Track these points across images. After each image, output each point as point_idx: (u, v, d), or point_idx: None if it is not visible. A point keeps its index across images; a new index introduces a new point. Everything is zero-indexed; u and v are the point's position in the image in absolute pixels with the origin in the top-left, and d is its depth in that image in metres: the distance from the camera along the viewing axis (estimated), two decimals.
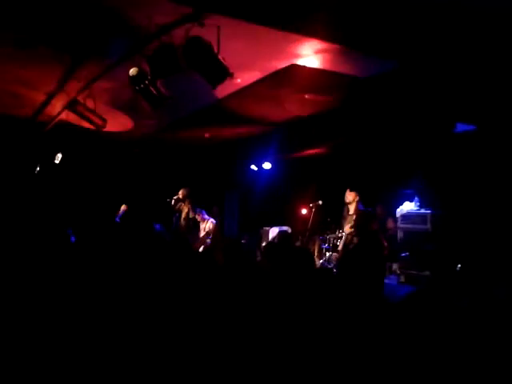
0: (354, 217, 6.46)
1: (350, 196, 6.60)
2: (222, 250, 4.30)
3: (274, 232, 7.04)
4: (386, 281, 6.52)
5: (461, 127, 6.08)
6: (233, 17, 3.86)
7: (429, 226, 6.77)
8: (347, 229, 6.64)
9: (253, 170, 9.94)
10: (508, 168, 5.87)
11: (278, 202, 10.08)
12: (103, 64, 5.03)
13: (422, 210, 7.05)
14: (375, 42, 4.36)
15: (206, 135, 8.56)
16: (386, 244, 7.37)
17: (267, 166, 9.60)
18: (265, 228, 8.98)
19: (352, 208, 6.58)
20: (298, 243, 7.99)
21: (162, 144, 9.31)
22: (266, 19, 3.91)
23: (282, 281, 3.29)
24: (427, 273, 6.55)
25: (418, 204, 7.22)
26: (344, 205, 6.79)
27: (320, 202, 6.82)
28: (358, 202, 6.57)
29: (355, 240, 6.32)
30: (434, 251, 6.48)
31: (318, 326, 2.68)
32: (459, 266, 6.13)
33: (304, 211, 8.78)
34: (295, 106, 6.63)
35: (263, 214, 10.12)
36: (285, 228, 7.92)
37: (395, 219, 7.63)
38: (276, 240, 7.07)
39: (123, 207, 7.96)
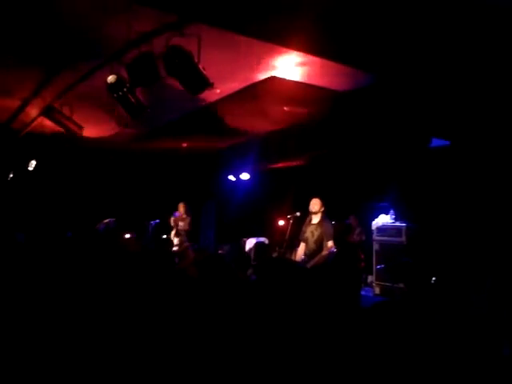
0: (319, 228, 6.35)
1: (316, 205, 6.48)
2: (194, 263, 4.25)
3: (250, 243, 6.98)
4: (362, 292, 6.54)
5: (435, 142, 6.17)
6: (216, 26, 3.85)
7: (404, 238, 6.84)
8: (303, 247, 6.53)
9: (230, 180, 9.88)
10: (480, 182, 5.98)
11: (256, 213, 10.05)
12: (81, 71, 4.95)
13: (397, 223, 7.13)
14: (354, 55, 4.41)
15: (184, 144, 8.52)
16: (362, 256, 7.42)
17: (245, 176, 9.55)
18: (243, 239, 8.92)
19: (317, 218, 6.48)
20: (275, 254, 7.95)
21: (138, 153, 9.21)
22: (248, 30, 3.91)
23: (260, 291, 3.26)
24: (402, 285, 6.59)
25: (394, 217, 7.30)
26: (307, 214, 6.64)
27: (298, 214, 6.77)
28: (323, 212, 6.47)
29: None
30: (409, 264, 6.52)
31: (295, 337, 2.66)
32: (434, 278, 6.20)
33: (281, 222, 8.77)
34: (274, 117, 6.66)
35: (241, 225, 10.07)
36: (262, 239, 7.88)
37: (367, 231, 7.70)
38: (252, 251, 7.00)
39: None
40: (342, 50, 4.29)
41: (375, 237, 7.31)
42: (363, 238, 7.74)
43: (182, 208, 8.23)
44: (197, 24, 3.81)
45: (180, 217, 8.04)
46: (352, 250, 7.15)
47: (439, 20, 3.66)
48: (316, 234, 6.32)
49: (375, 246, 7.27)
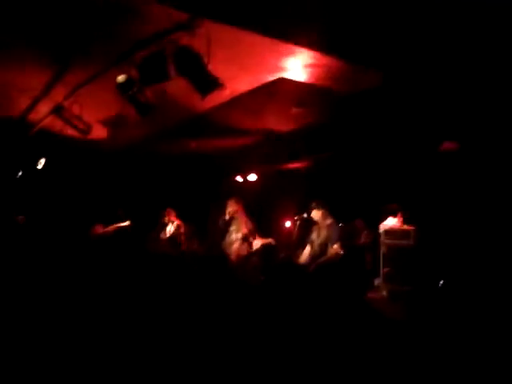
0: (324, 231, 6.34)
1: (316, 208, 6.50)
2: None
3: (257, 244, 6.96)
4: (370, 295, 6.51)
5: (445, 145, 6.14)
6: (227, 23, 3.84)
7: (412, 241, 6.78)
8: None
9: (238, 181, 9.86)
10: (490, 186, 5.93)
11: (263, 214, 10.01)
12: (91, 70, 4.96)
13: (406, 226, 7.07)
14: (365, 53, 4.40)
15: (193, 145, 8.51)
16: (369, 259, 7.38)
17: (252, 177, 9.54)
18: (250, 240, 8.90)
19: (322, 221, 6.47)
20: (282, 255, 7.93)
21: (147, 154, 9.23)
22: (260, 27, 3.91)
23: (268, 293, 3.26)
24: (408, 288, 6.54)
25: (402, 220, 7.24)
26: (311, 219, 6.64)
27: (305, 215, 6.75)
28: (327, 214, 6.47)
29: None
30: (417, 267, 6.48)
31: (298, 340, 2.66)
32: (442, 281, 6.15)
33: (289, 224, 8.74)
34: (282, 119, 6.67)
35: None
36: (269, 240, 7.86)
37: (374, 233, 7.64)
38: (259, 252, 6.99)
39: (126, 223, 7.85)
40: (353, 48, 4.28)
41: (383, 239, 7.24)
42: (370, 240, 7.68)
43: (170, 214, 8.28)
44: (207, 24, 3.81)
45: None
46: (359, 253, 7.15)
47: (449, 22, 3.64)
48: (321, 236, 6.34)
49: (382, 249, 7.20)
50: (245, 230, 7.00)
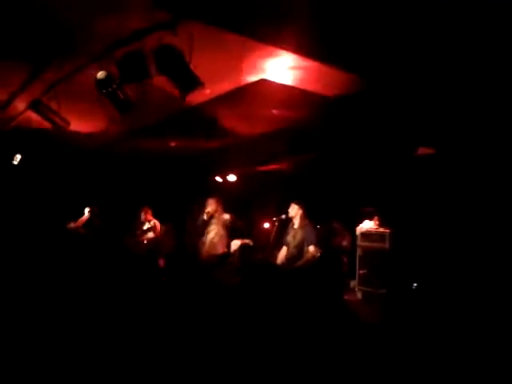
0: (300, 233, 6.38)
1: (293, 210, 6.54)
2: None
3: (235, 245, 6.95)
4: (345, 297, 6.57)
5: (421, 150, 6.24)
6: (210, 24, 3.83)
7: (387, 244, 6.88)
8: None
9: (217, 181, 9.87)
10: (464, 190, 6.05)
11: (242, 215, 10.01)
12: (70, 66, 4.87)
13: (381, 229, 7.17)
14: (347, 58, 4.43)
15: (172, 144, 8.46)
16: (346, 261, 7.46)
17: (232, 178, 9.56)
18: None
19: (298, 222, 6.53)
20: (258, 256, 7.94)
21: (125, 152, 9.12)
22: (240, 28, 3.91)
23: (244, 293, 3.25)
24: (383, 290, 6.64)
25: (378, 223, 7.34)
26: (288, 220, 6.70)
27: (283, 217, 6.77)
28: (303, 216, 6.52)
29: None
30: (392, 269, 6.57)
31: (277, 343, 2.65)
32: (415, 284, 6.25)
33: (267, 225, 8.76)
34: (263, 120, 6.65)
35: None
36: (247, 241, 7.86)
37: (352, 236, 7.74)
38: (237, 253, 6.98)
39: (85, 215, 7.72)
40: (335, 53, 4.30)
41: (359, 242, 7.35)
42: (347, 242, 7.78)
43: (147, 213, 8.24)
44: (189, 23, 3.79)
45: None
46: (335, 255, 7.22)
47: (431, 28, 3.69)
48: (297, 238, 6.37)
49: (359, 251, 7.30)
50: (222, 231, 6.99)
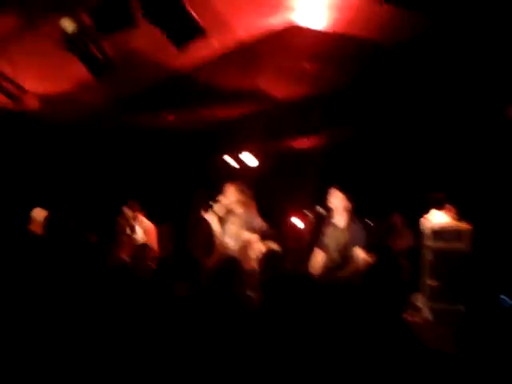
0: (345, 232, 6.28)
1: (337, 200, 6.38)
2: None
3: (258, 251, 6.87)
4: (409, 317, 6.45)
5: None
6: None
7: (467, 244, 6.75)
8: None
9: (230, 164, 9.93)
10: None
11: (264, 208, 10.02)
12: (26, 16, 4.83)
13: (458, 224, 7.03)
14: None
15: (170, 117, 8.55)
16: (408, 268, 7.34)
17: (248, 158, 9.64)
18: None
19: (341, 218, 6.39)
20: (288, 265, 7.91)
21: (105, 129, 9.20)
22: None
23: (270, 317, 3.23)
24: (462, 308, 6.53)
25: (453, 214, 7.20)
26: (327, 214, 6.57)
27: (320, 209, 6.69)
28: (349, 209, 6.39)
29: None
30: (473, 279, 6.46)
31: None
32: (504, 298, 6.13)
33: (298, 221, 8.73)
34: (290, 80, 6.67)
35: None
36: (273, 246, 7.80)
37: (418, 234, 7.63)
38: (260, 262, 6.91)
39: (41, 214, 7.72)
40: None
41: (428, 242, 7.20)
42: (411, 243, 7.67)
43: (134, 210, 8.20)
44: None
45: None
46: (393, 260, 7.10)
47: None
48: (341, 238, 6.27)
49: (427, 255, 7.16)
50: (245, 233, 6.83)
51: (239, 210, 6.76)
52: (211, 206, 6.97)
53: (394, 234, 7.93)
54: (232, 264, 5.43)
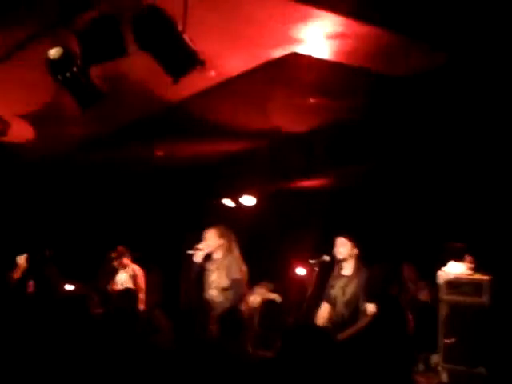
0: (353, 283, 6.29)
1: (343, 248, 6.42)
2: None
3: (255, 300, 6.90)
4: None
5: None
6: None
7: (487, 298, 6.75)
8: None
9: (226, 205, 9.93)
10: None
11: (264, 255, 10.00)
12: (9, 40, 4.92)
13: (477, 275, 7.04)
14: (413, 23, 4.41)
15: (158, 153, 8.57)
16: (411, 317, 7.35)
17: (247, 200, 9.63)
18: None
19: (349, 267, 6.43)
20: (291, 318, 7.90)
21: (90, 165, 9.22)
22: None
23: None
24: (482, 370, 6.50)
25: (472, 266, 7.22)
26: (333, 263, 6.58)
27: (326, 258, 6.71)
28: (357, 257, 6.43)
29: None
30: (494, 337, 6.45)
31: None
32: None
33: (302, 271, 8.70)
34: (293, 113, 6.73)
35: None
36: (272, 295, 7.81)
37: (433, 287, 7.63)
38: (259, 312, 6.92)
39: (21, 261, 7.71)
40: (399, 14, 4.29)
41: (443, 295, 7.21)
42: (425, 296, 7.65)
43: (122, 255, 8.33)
44: None
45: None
46: (396, 311, 7.09)
47: None
48: (349, 291, 6.27)
49: (443, 309, 7.16)
50: (236, 275, 6.80)
51: (218, 255, 6.74)
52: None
53: (404, 285, 7.92)
54: (231, 318, 5.45)
